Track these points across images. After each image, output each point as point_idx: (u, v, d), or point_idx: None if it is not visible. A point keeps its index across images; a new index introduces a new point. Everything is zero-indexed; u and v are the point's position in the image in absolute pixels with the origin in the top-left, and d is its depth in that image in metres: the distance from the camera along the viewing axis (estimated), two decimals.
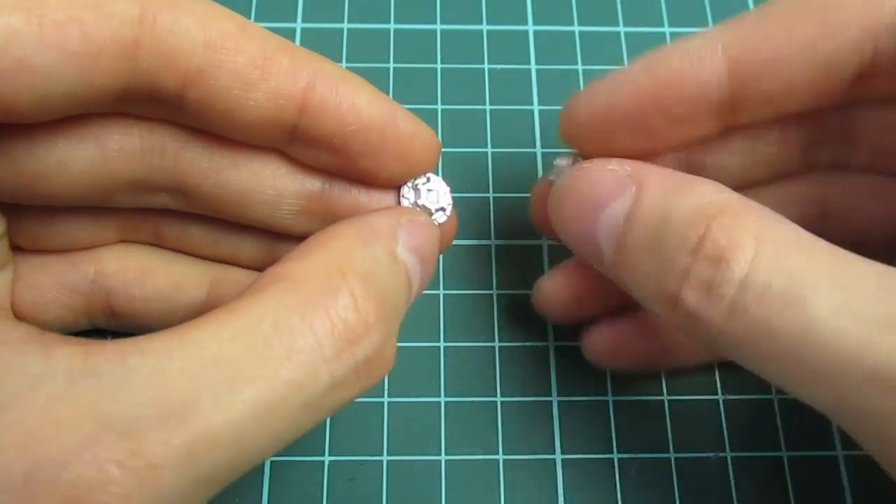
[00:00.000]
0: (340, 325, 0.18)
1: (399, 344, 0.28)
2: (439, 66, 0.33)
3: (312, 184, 0.23)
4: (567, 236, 0.23)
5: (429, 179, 0.24)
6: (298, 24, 0.34)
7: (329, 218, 0.23)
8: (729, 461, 0.27)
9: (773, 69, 0.21)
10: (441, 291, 0.30)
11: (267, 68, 0.20)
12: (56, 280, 0.24)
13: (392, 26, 0.34)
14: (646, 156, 0.23)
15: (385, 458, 0.27)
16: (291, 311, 0.18)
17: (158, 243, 0.26)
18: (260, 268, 0.26)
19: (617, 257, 0.21)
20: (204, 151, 0.22)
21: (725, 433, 0.28)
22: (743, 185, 0.24)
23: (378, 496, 0.26)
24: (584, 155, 0.24)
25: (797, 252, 0.18)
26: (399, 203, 0.24)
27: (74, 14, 0.17)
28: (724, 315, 0.19)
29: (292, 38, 0.34)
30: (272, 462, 0.27)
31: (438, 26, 0.34)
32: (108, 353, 0.16)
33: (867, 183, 0.24)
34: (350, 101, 0.21)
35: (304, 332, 0.17)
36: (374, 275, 0.19)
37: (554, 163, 0.25)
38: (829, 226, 0.24)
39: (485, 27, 0.35)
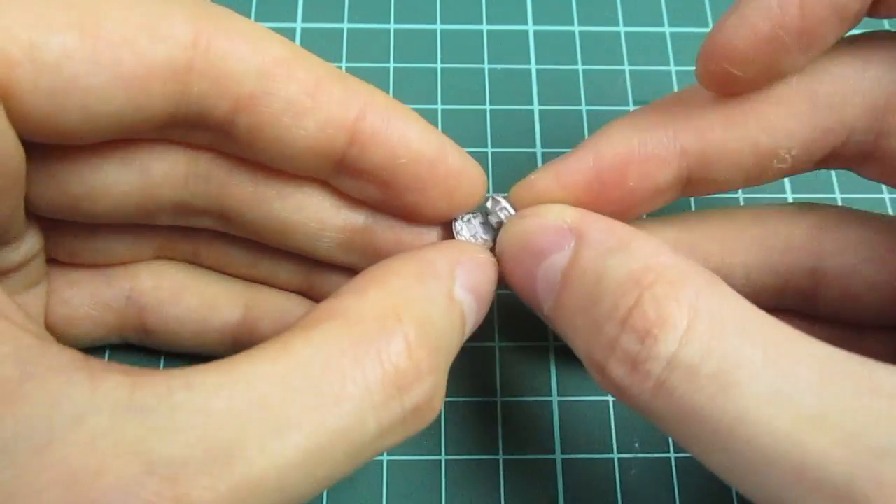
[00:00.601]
0: (392, 371, 0.17)
1: None
2: (439, 66, 0.33)
3: (356, 218, 0.23)
4: (511, 282, 0.22)
5: (480, 213, 0.23)
6: (298, 24, 0.34)
7: (370, 251, 0.23)
8: None
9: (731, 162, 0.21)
10: None
11: (318, 97, 0.20)
12: (90, 296, 0.24)
13: (392, 26, 0.34)
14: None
15: (386, 458, 0.27)
16: (344, 352, 0.17)
17: (195, 261, 0.25)
18: (298, 291, 0.26)
19: (553, 314, 0.21)
20: (249, 180, 0.22)
21: None
22: (746, 184, 0.23)
23: (378, 496, 0.26)
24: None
25: (734, 330, 0.17)
26: (453, 237, 0.23)
27: (128, 36, 0.17)
28: (649, 392, 0.17)
29: (292, 38, 0.34)
30: None
31: (438, 26, 0.34)
32: (155, 386, 0.15)
33: (867, 244, 0.23)
34: (401, 133, 0.21)
35: (355, 377, 0.17)
36: (430, 318, 0.19)
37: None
38: (822, 282, 0.23)
39: (485, 27, 0.35)
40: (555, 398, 0.28)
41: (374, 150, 0.21)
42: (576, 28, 0.35)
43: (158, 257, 0.25)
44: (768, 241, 0.24)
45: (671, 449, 0.27)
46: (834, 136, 0.21)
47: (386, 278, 0.19)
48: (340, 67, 0.33)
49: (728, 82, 0.20)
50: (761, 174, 0.22)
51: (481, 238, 0.23)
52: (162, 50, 0.18)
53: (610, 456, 0.27)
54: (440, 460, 0.27)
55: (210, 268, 0.26)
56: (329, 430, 0.16)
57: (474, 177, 0.22)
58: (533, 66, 0.34)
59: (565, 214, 0.21)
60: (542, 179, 0.23)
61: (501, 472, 0.27)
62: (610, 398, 0.28)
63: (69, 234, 0.23)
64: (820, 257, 0.23)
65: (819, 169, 0.23)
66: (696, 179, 0.22)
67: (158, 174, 0.21)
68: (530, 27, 0.35)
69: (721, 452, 0.17)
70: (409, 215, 0.23)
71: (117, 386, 0.15)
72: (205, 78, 0.18)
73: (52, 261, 0.24)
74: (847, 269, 0.23)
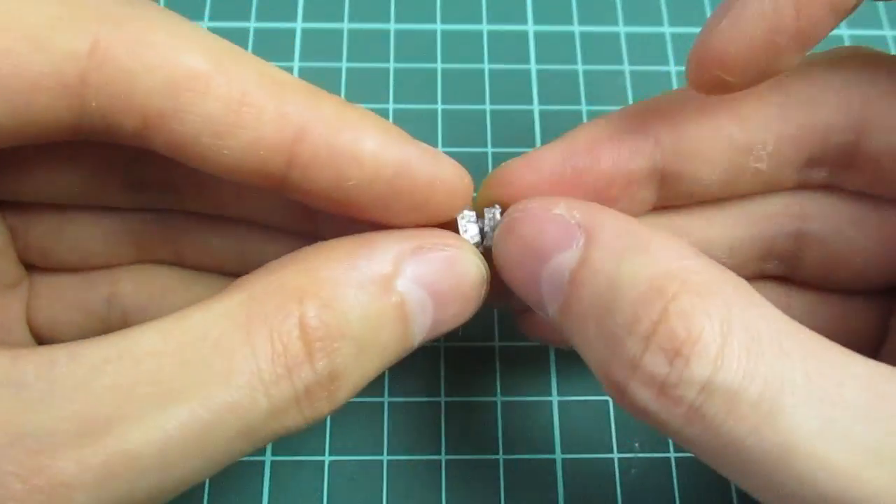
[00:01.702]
0: (280, 349, 0.16)
1: None
2: (439, 66, 0.33)
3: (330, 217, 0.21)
4: (510, 283, 0.20)
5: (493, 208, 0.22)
6: (298, 24, 0.34)
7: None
8: None
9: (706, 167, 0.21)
10: None
11: (243, 115, 0.17)
12: (71, 300, 0.23)
13: (392, 26, 0.34)
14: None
15: (385, 458, 0.27)
16: (238, 327, 0.16)
17: (179, 262, 0.24)
18: None
19: (561, 318, 0.19)
20: (196, 177, 0.20)
21: None
22: (723, 198, 0.23)
23: (378, 496, 0.26)
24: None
25: (771, 348, 0.16)
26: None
27: (6, 45, 0.16)
28: (682, 418, 0.16)
29: (292, 38, 0.34)
30: (272, 462, 0.27)
31: (438, 26, 0.34)
32: (37, 359, 0.15)
33: (851, 207, 0.22)
34: (350, 151, 0.18)
35: (245, 352, 0.16)
36: (341, 304, 0.17)
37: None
38: (805, 245, 0.23)
39: (485, 27, 0.35)
40: (555, 398, 0.28)
41: (318, 172, 0.18)
42: (576, 28, 0.35)
43: (140, 260, 0.24)
44: (750, 209, 0.23)
45: (671, 449, 0.27)
46: (810, 133, 0.21)
47: (311, 258, 0.18)
48: (340, 68, 0.33)
49: (720, 87, 0.19)
50: (738, 174, 0.21)
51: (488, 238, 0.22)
52: (46, 62, 0.16)
53: (610, 456, 0.27)
54: (440, 460, 0.27)
55: (195, 267, 0.24)
56: (216, 404, 0.16)
57: (451, 184, 0.20)
58: (533, 66, 0.34)
59: (573, 208, 0.19)
60: (514, 167, 0.21)
61: (501, 472, 0.27)
62: (610, 398, 0.28)
63: (38, 232, 0.22)
64: (804, 220, 0.23)
65: (801, 180, 0.22)
66: (671, 176, 0.21)
67: (92, 166, 0.20)
68: (530, 27, 0.35)
69: (767, 485, 0.16)
70: (380, 226, 0.20)
71: None
72: (102, 93, 0.17)
73: (31, 266, 0.23)
74: (831, 232, 0.22)
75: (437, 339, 0.28)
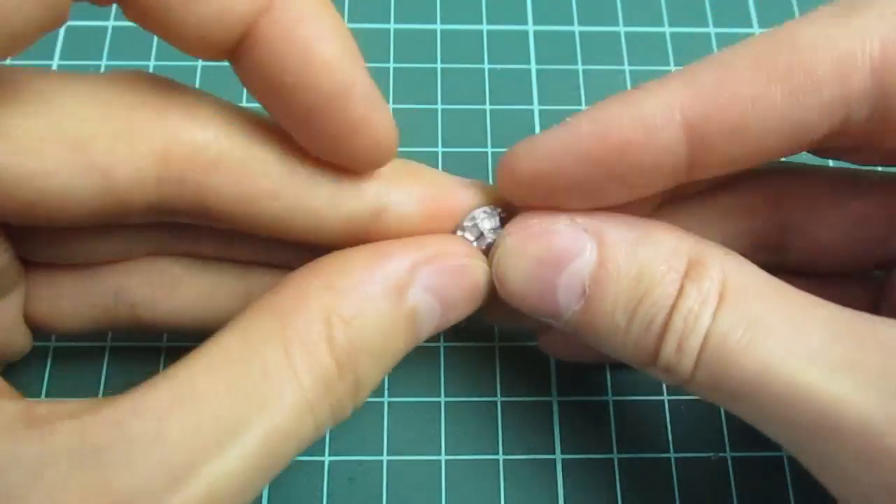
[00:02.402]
0: (319, 370, 0.18)
1: None
2: (439, 66, 0.33)
3: (360, 210, 0.21)
4: (518, 300, 0.21)
5: (495, 215, 0.22)
6: None
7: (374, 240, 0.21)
8: (729, 461, 0.27)
9: (735, 138, 0.19)
10: None
11: None
12: (75, 294, 0.23)
13: (392, 26, 0.34)
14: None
15: (385, 458, 0.27)
16: (277, 350, 0.18)
17: (189, 254, 0.24)
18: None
19: (582, 317, 0.20)
20: (232, 181, 0.19)
21: (725, 433, 0.28)
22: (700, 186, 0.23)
23: (378, 496, 0.26)
24: (509, 207, 0.22)
25: (755, 297, 0.19)
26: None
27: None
28: (692, 366, 0.19)
29: None
30: None
31: (438, 26, 0.34)
32: (105, 423, 0.16)
33: (824, 187, 0.24)
34: (304, 47, 0.18)
35: (290, 378, 0.17)
36: (362, 320, 0.19)
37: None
38: (790, 234, 0.24)
39: (485, 27, 0.35)
40: (555, 398, 0.28)
41: (266, 55, 0.18)
42: (576, 28, 0.35)
43: (151, 254, 0.24)
44: (737, 206, 0.24)
45: (671, 449, 0.27)
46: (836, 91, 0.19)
47: (331, 270, 0.19)
48: None
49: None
50: (781, 152, 0.20)
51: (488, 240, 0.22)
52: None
53: (610, 456, 0.27)
54: (440, 460, 0.27)
55: (209, 257, 0.24)
56: (276, 429, 0.17)
57: (378, 132, 0.19)
58: (533, 66, 0.34)
59: (574, 217, 0.21)
60: (523, 157, 0.20)
61: (501, 472, 0.27)
62: (610, 398, 0.28)
63: (43, 240, 0.22)
64: (786, 210, 0.24)
65: (825, 147, 0.21)
66: (702, 164, 0.20)
67: (122, 178, 0.18)
68: (530, 27, 0.35)
69: (753, 407, 0.18)
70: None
71: (68, 433, 0.16)
72: None
73: (29, 262, 0.22)
74: (813, 219, 0.24)
75: (436, 338, 0.29)
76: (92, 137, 0.18)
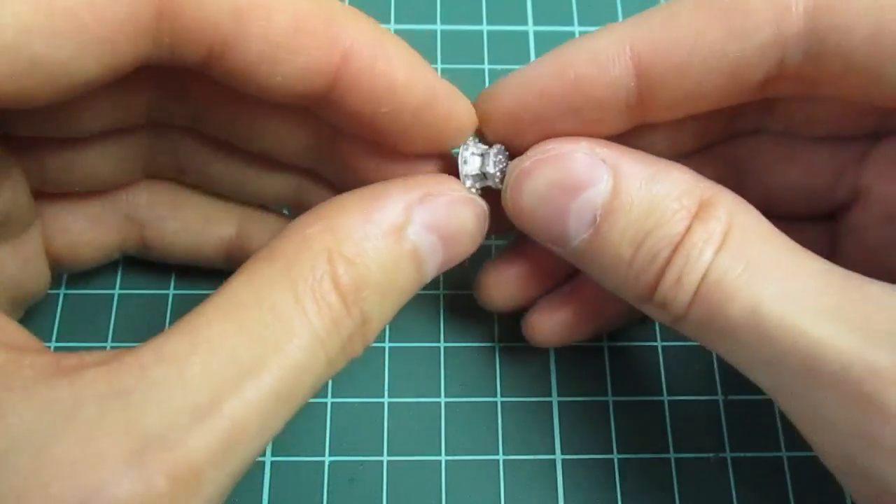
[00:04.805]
0: (326, 307, 0.18)
1: (399, 344, 0.29)
2: (439, 66, 0.33)
3: (329, 137, 0.23)
4: (529, 222, 0.22)
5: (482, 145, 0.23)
6: None
7: (351, 171, 0.23)
8: (728, 461, 0.27)
9: (680, 74, 0.20)
10: (441, 291, 0.30)
11: (298, 40, 0.19)
12: (90, 218, 0.25)
13: (392, 26, 0.34)
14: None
15: (385, 458, 0.27)
16: (286, 292, 0.18)
17: (181, 179, 0.26)
18: (289, 206, 0.26)
19: (589, 246, 0.21)
20: (227, 101, 0.22)
21: (725, 433, 0.28)
22: (670, 156, 0.23)
23: (378, 496, 0.26)
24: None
25: (757, 241, 0.19)
26: (458, 166, 0.22)
27: None
28: (688, 301, 0.19)
29: None
30: (272, 462, 0.27)
31: (438, 26, 0.34)
32: (129, 368, 0.17)
33: (779, 145, 0.24)
34: (387, 79, 0.20)
35: (299, 316, 0.18)
36: (363, 257, 0.19)
37: (469, 151, 0.23)
38: (745, 182, 0.25)
39: (485, 27, 0.35)
40: (555, 398, 0.28)
41: (355, 96, 0.20)
42: (576, 28, 0.35)
43: (150, 177, 0.26)
44: (692, 158, 0.24)
45: (671, 449, 0.27)
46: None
47: (329, 215, 0.20)
48: None
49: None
50: (725, 93, 0.21)
51: (490, 171, 0.22)
52: (124, 8, 0.17)
53: (610, 456, 0.27)
54: (440, 460, 0.27)
55: (194, 188, 0.26)
56: (291, 366, 0.18)
57: (463, 119, 0.22)
58: None
59: (594, 147, 0.21)
60: (504, 86, 0.22)
61: (501, 472, 0.27)
62: (610, 398, 0.28)
63: (53, 163, 0.23)
64: (740, 161, 0.25)
65: (768, 96, 0.22)
66: (651, 102, 0.21)
67: (124, 93, 0.21)
68: (530, 27, 0.35)
69: (740, 346, 0.19)
70: (392, 150, 0.22)
71: (95, 378, 0.16)
72: (175, 27, 0.18)
73: (43, 196, 0.24)
74: (763, 169, 0.25)
75: (437, 338, 0.29)
76: None
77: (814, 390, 0.18)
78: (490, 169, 0.22)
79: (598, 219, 0.20)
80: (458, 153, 0.23)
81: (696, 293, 0.19)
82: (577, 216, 0.21)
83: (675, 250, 0.19)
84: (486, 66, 0.34)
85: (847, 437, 0.18)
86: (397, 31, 0.34)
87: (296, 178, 0.25)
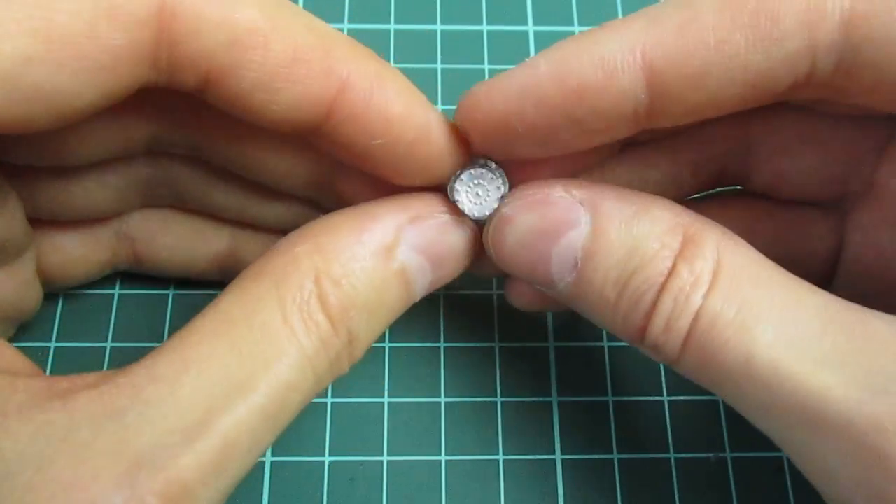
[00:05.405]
0: (314, 327, 0.19)
1: (399, 344, 0.29)
2: (439, 66, 0.33)
3: (324, 170, 0.23)
4: (513, 268, 0.22)
5: (484, 164, 0.22)
6: None
7: (343, 197, 0.23)
8: (728, 461, 0.27)
9: (697, 84, 0.18)
10: (441, 292, 0.30)
11: (295, 71, 0.18)
12: (81, 237, 0.25)
13: (392, 26, 0.34)
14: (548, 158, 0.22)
15: (385, 458, 0.27)
16: (274, 311, 0.18)
17: (179, 208, 0.26)
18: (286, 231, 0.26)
19: (575, 289, 0.20)
20: (224, 127, 0.22)
21: (725, 433, 0.28)
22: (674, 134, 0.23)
23: (378, 496, 0.26)
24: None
25: (748, 281, 0.18)
26: (449, 194, 0.22)
27: (86, 25, 0.16)
28: (679, 347, 0.19)
29: None
30: (272, 462, 0.27)
31: (438, 26, 0.34)
32: (121, 389, 0.17)
33: (798, 122, 0.23)
34: (382, 112, 0.20)
35: (288, 335, 0.18)
36: (350, 278, 0.19)
37: (457, 185, 0.22)
38: (754, 162, 0.24)
39: (485, 27, 0.35)
40: (555, 398, 0.28)
41: (351, 127, 0.20)
42: (576, 28, 0.35)
43: (145, 206, 0.26)
44: (705, 133, 0.24)
45: (671, 449, 0.27)
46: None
47: (318, 234, 0.20)
48: None
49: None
50: (744, 102, 0.19)
51: (485, 202, 0.22)
52: (124, 36, 0.17)
53: (610, 456, 0.27)
54: (440, 460, 0.27)
55: (193, 213, 0.26)
56: (282, 385, 0.18)
57: (457, 154, 0.22)
58: None
59: (570, 187, 0.21)
60: (482, 97, 0.20)
61: (501, 472, 0.27)
62: (610, 398, 0.28)
63: (48, 194, 0.23)
64: (752, 139, 0.24)
65: (788, 99, 0.20)
66: (662, 111, 0.19)
67: (125, 120, 0.21)
68: (530, 27, 0.35)
69: (738, 393, 0.18)
70: (388, 182, 0.22)
71: (89, 401, 0.17)
72: (173, 54, 0.18)
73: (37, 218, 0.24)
74: (777, 150, 0.24)
75: (437, 338, 0.29)
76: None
77: (816, 441, 0.17)
78: (476, 214, 0.22)
79: (579, 262, 0.20)
80: (450, 186, 0.22)
81: (687, 338, 0.19)
82: (559, 260, 0.20)
83: (660, 292, 0.19)
84: (486, 66, 0.34)
85: (852, 487, 0.17)
86: (397, 31, 0.35)
87: (296, 206, 0.25)
